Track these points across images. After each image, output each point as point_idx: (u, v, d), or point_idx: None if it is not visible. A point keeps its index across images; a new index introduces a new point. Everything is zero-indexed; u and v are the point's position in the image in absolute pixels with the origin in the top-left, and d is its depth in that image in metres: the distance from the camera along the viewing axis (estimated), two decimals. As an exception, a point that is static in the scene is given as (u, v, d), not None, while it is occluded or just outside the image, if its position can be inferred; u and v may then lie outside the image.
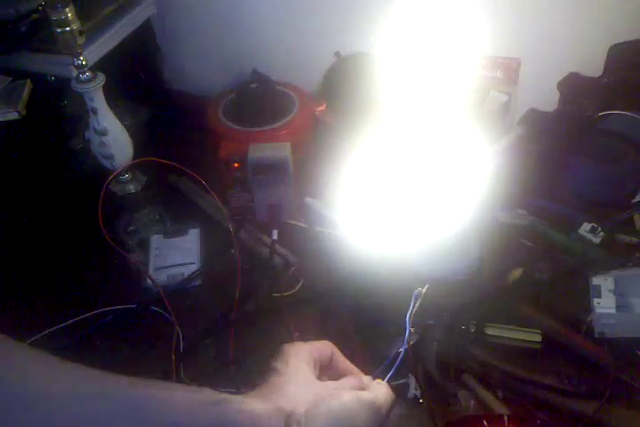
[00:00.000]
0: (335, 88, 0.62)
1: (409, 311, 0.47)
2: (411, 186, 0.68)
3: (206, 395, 0.41)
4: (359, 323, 0.69)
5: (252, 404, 0.41)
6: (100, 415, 0.38)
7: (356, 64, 0.60)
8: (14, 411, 0.36)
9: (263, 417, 0.40)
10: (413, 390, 0.65)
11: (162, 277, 0.77)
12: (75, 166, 0.88)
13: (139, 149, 0.83)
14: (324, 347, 0.51)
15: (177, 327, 0.71)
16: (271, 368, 0.46)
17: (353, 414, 0.40)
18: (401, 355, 0.46)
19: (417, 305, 0.48)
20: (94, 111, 0.75)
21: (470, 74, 0.90)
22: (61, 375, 0.39)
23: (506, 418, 0.55)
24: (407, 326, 0.47)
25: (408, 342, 0.46)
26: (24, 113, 0.77)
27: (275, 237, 0.81)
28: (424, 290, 0.49)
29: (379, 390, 0.44)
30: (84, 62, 0.72)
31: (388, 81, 0.58)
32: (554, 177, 0.85)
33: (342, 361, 0.51)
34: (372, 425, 0.40)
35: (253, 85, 0.90)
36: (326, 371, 0.51)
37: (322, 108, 0.92)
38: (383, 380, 0.48)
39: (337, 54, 0.64)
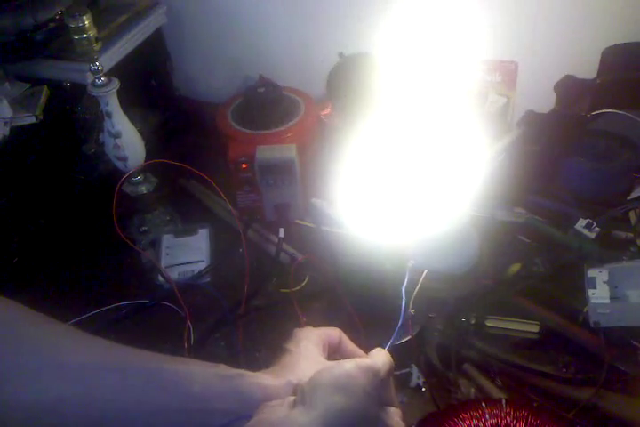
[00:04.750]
0: (338, 87, 0.64)
1: (403, 284, 0.50)
2: (412, 184, 0.71)
3: (222, 369, 0.44)
4: (364, 315, 0.72)
5: (265, 378, 0.44)
6: (120, 386, 0.40)
7: (359, 64, 0.62)
8: (46, 379, 0.39)
9: (275, 389, 0.43)
10: (416, 379, 0.68)
11: (173, 275, 0.80)
12: (89, 169, 0.91)
13: (149, 154, 0.86)
14: (333, 332, 0.54)
15: (188, 321, 0.73)
16: (282, 349, 0.49)
17: (353, 378, 0.42)
18: (400, 321, 0.49)
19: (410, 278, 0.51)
20: (109, 115, 0.78)
21: (470, 77, 0.93)
22: (87, 348, 0.42)
23: (503, 401, 0.57)
24: (402, 297, 0.50)
25: (408, 316, 0.49)
26: (41, 117, 0.81)
27: (281, 234, 0.84)
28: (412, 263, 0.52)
29: (377, 357, 0.48)
30: (99, 68, 0.76)
31: (389, 81, 0.61)
32: (551, 176, 0.87)
33: (349, 345, 0.54)
34: (369, 388, 0.43)
35: (261, 90, 0.94)
36: (334, 355, 0.54)
37: (327, 111, 0.95)
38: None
39: (340, 55, 0.66)
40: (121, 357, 0.43)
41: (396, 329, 0.47)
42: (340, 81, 0.64)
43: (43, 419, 0.40)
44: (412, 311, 0.50)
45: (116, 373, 0.41)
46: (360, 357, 0.53)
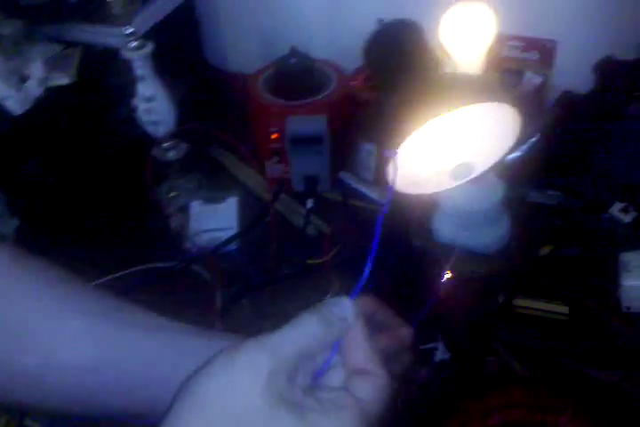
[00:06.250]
0: (377, 56, 0.63)
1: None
2: (445, 160, 0.70)
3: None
4: (392, 288, 0.71)
5: None
6: (156, 355, 0.41)
7: (400, 31, 0.61)
8: (84, 340, 0.39)
9: None
10: (441, 354, 0.68)
11: (201, 241, 0.80)
12: (119, 134, 0.91)
13: (178, 123, 0.86)
14: (363, 303, 0.54)
15: (216, 286, 0.74)
16: None
17: None
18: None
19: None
20: (142, 78, 0.78)
21: (507, 54, 0.91)
22: (121, 314, 0.42)
23: (531, 380, 0.57)
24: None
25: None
26: (75, 79, 0.81)
27: (309, 205, 0.83)
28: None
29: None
30: (133, 30, 0.75)
31: (431, 50, 0.60)
32: (586, 158, 0.86)
33: (384, 313, 0.54)
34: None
35: (293, 60, 0.93)
36: (368, 324, 0.54)
37: (357, 82, 0.94)
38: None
39: (380, 21, 0.64)
40: (154, 325, 0.43)
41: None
42: (379, 50, 0.62)
43: (79, 380, 0.40)
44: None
45: (152, 342, 0.41)
46: (394, 326, 0.53)
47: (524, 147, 0.86)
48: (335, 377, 0.36)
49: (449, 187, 0.62)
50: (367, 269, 0.38)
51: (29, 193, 0.79)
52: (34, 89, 0.77)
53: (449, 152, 0.59)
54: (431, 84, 0.56)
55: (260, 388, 0.31)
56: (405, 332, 0.53)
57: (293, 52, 0.98)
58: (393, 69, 0.64)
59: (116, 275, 0.75)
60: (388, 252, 0.74)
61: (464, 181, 0.62)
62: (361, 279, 0.38)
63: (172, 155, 0.84)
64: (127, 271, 0.76)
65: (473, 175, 0.62)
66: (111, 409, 0.41)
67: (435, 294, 0.54)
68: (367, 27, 0.69)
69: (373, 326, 0.54)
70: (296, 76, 0.93)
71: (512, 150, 0.84)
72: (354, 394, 0.34)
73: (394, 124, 0.57)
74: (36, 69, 0.78)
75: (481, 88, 0.57)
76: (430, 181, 0.61)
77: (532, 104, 0.91)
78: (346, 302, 0.37)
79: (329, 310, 0.36)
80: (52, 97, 0.80)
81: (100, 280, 0.74)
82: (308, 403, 0.32)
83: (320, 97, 0.93)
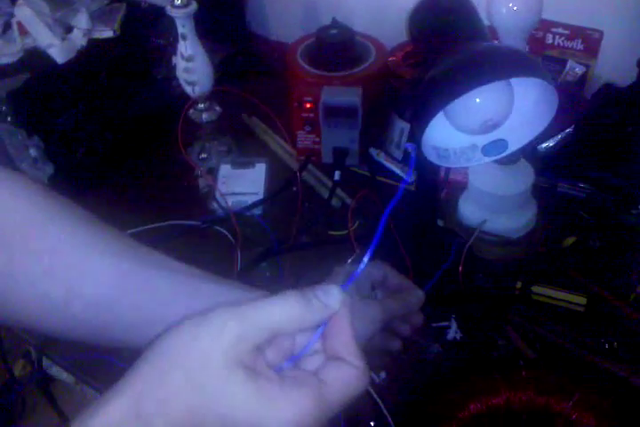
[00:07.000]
0: (422, 27, 0.62)
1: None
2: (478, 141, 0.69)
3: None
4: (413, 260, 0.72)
5: None
6: (170, 294, 0.41)
7: (447, 2, 0.59)
8: (106, 277, 0.41)
9: None
10: (454, 333, 0.68)
11: (226, 203, 0.81)
12: (156, 93, 0.92)
13: (214, 86, 0.86)
14: (373, 270, 0.55)
15: (237, 248, 0.75)
16: None
17: None
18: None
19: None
20: (184, 37, 0.78)
21: (550, 42, 0.90)
22: (145, 256, 0.43)
23: (541, 364, 0.57)
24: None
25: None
26: (119, 32, 0.81)
27: (336, 177, 0.84)
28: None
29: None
30: (179, -12, 0.75)
31: (478, 24, 0.59)
32: (621, 153, 0.84)
33: (396, 277, 0.55)
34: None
35: (334, 31, 0.92)
36: (381, 287, 0.55)
37: (396, 58, 0.93)
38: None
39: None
40: (172, 268, 0.43)
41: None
42: (424, 20, 0.62)
43: (98, 312, 0.41)
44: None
45: (167, 282, 0.42)
46: (406, 290, 0.55)
47: (559, 137, 0.85)
48: (313, 362, 0.36)
49: (480, 162, 0.62)
50: (364, 262, 0.36)
51: (66, 142, 0.80)
52: (77, 40, 0.78)
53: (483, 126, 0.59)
54: (473, 55, 0.55)
55: (221, 348, 0.31)
56: (416, 294, 0.54)
57: (334, 23, 0.98)
58: (437, 41, 0.63)
59: (141, 229, 0.76)
60: (411, 228, 0.76)
61: (496, 158, 0.62)
62: (356, 270, 0.36)
63: (205, 117, 0.85)
64: (151, 226, 0.77)
65: (505, 153, 0.62)
66: (127, 343, 0.42)
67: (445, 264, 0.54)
68: (411, 2, 0.69)
69: (385, 290, 0.55)
70: (335, 48, 0.93)
71: (546, 138, 0.84)
72: (320, 378, 0.34)
73: (428, 96, 0.57)
74: (82, 21, 0.79)
75: (523, 62, 0.56)
76: (462, 155, 0.61)
77: (571, 94, 0.89)
78: (334, 290, 0.35)
79: (314, 293, 0.35)
80: (94, 49, 0.81)
81: (127, 232, 0.74)
82: (268, 374, 0.33)
83: (357, 70, 0.92)
